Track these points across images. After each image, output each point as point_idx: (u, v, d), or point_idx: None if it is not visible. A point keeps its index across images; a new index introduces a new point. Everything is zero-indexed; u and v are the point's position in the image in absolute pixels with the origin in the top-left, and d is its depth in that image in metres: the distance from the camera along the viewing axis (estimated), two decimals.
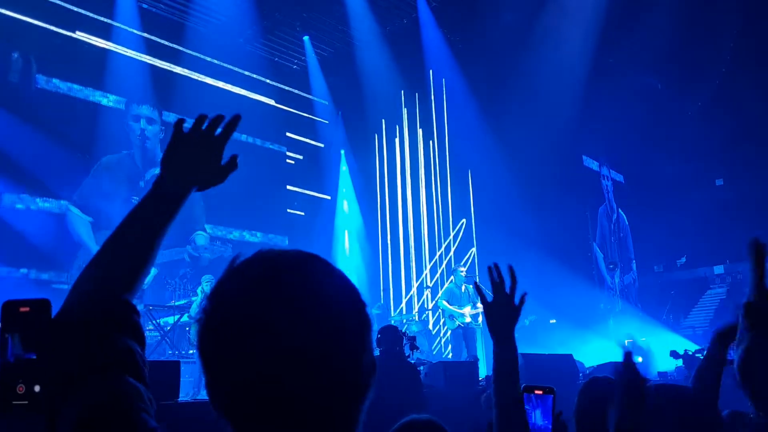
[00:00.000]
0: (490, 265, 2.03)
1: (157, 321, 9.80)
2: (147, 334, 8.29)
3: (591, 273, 16.06)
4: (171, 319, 10.08)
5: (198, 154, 1.32)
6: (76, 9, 11.34)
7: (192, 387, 8.32)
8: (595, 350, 11.98)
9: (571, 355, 8.31)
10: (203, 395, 6.92)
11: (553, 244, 13.97)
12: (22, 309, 1.09)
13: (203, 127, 1.35)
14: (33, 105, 8.20)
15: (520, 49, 13.25)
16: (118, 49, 12.13)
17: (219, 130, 1.35)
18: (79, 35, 11.66)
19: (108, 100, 9.31)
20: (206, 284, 9.36)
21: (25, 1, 9.33)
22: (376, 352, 6.11)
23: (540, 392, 1.87)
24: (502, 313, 1.95)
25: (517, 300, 1.96)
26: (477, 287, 2.12)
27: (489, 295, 1.98)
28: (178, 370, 5.10)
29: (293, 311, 0.85)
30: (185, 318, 10.10)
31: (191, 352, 10.08)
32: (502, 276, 1.99)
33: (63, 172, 7.82)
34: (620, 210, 17.73)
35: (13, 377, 1.07)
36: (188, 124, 1.37)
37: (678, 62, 14.57)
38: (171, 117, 11.20)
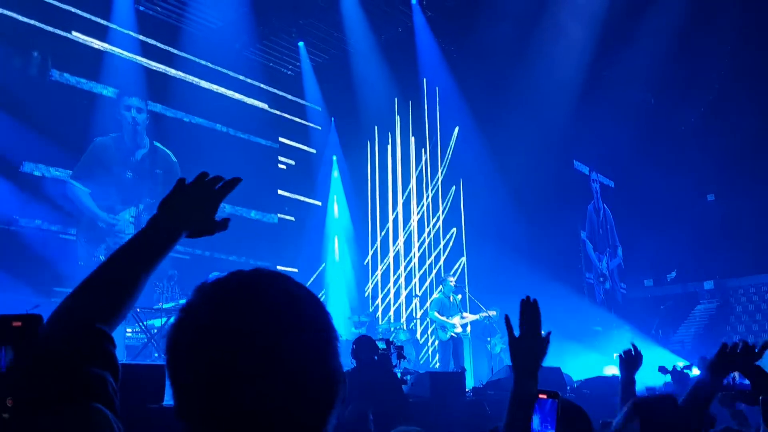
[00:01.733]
0: (523, 298, 1.99)
1: (144, 323, 9.73)
2: (134, 336, 8.31)
3: (581, 285, 16.08)
4: (158, 322, 10.02)
5: (195, 204, 1.40)
6: (74, 10, 11.46)
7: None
8: (584, 363, 11.98)
9: (558, 368, 8.30)
10: None
11: (543, 256, 13.99)
12: (15, 324, 1.11)
13: (204, 182, 1.42)
14: (47, 94, 9.92)
15: (515, 59, 13.31)
16: (114, 50, 12.14)
17: (218, 186, 1.43)
18: (76, 35, 11.63)
19: (108, 91, 10.67)
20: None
21: (43, 9, 10.64)
22: (353, 364, 6.05)
23: (544, 396, 1.83)
24: (530, 349, 1.89)
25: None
26: (507, 323, 1.97)
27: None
28: (164, 374, 5.03)
29: (257, 324, 0.86)
30: (172, 320, 9.97)
31: None
32: (538, 311, 1.93)
33: (68, 149, 9.55)
34: (606, 206, 17.91)
35: (3, 390, 1.08)
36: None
37: (672, 78, 14.67)
38: (158, 107, 12.05)
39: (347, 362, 11.42)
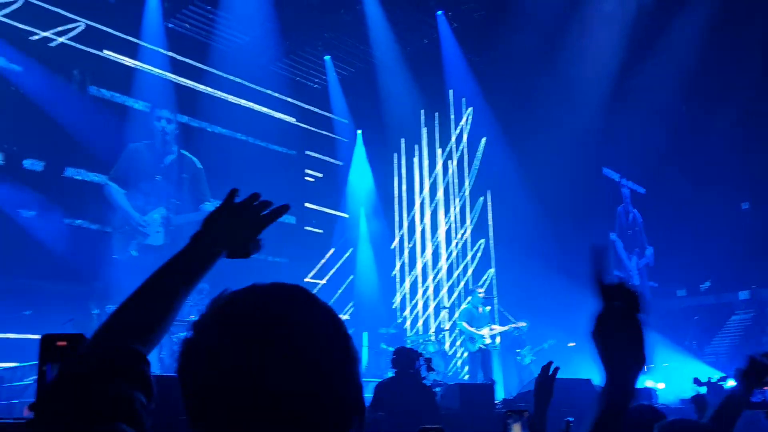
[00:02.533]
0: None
1: (177, 336, 9.81)
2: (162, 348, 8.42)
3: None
4: (183, 335, 10.05)
5: (240, 226, 1.39)
6: (107, 29, 11.93)
7: None
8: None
9: (590, 380, 8.17)
10: None
11: (572, 266, 13.81)
12: (59, 343, 1.13)
13: (253, 205, 1.42)
14: (86, 107, 10.93)
15: (541, 68, 13.25)
16: (145, 67, 12.55)
17: (265, 212, 1.43)
18: (107, 53, 12.11)
19: (139, 105, 11.70)
20: None
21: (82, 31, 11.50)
22: (391, 374, 6.10)
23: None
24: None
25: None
26: None
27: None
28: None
29: (270, 344, 0.86)
30: (184, 335, 10.02)
31: None
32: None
33: (105, 153, 10.59)
34: (635, 210, 17.82)
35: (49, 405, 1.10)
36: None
37: (703, 84, 14.46)
38: (186, 119, 12.83)
39: (379, 372, 11.40)
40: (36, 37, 11.42)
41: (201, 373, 0.88)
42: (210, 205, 11.22)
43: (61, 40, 11.65)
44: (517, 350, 11.68)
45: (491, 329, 10.77)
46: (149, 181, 10.60)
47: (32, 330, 8.53)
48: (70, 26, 11.74)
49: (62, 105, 10.58)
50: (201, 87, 13.50)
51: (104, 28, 12.01)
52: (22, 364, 8.52)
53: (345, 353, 0.91)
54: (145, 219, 10.37)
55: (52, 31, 11.58)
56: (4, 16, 11.05)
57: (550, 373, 2.72)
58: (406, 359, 6.05)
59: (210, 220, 1.36)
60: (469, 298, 11.37)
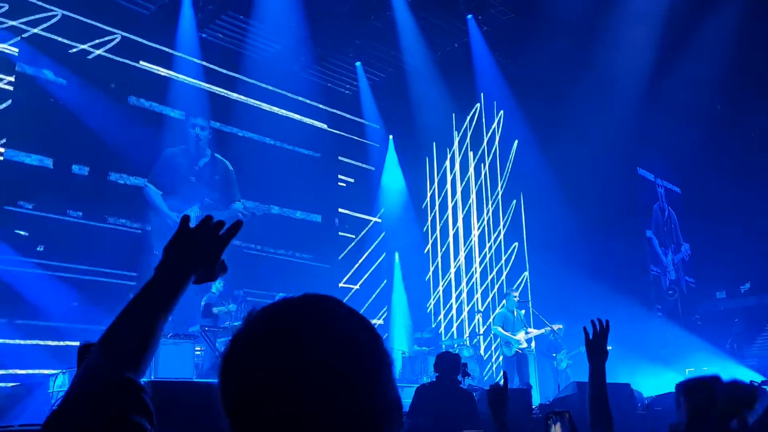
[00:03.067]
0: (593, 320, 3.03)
1: (213, 342, 9.98)
2: (202, 354, 8.67)
3: (648, 297, 15.62)
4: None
5: (199, 249, 1.38)
6: (142, 41, 12.40)
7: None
8: (653, 379, 11.62)
9: (628, 385, 8.07)
10: None
11: (607, 268, 13.66)
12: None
13: (209, 226, 1.41)
14: (126, 115, 11.75)
15: (573, 69, 13.14)
16: (179, 77, 12.93)
17: (222, 231, 1.41)
18: (143, 65, 12.52)
19: (176, 113, 12.38)
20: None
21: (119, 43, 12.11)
22: (426, 378, 6.12)
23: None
24: (601, 349, 2.99)
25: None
26: (585, 330, 3.01)
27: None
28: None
29: (304, 356, 0.88)
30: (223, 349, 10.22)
31: None
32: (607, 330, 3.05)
33: (144, 158, 11.50)
34: (670, 208, 17.67)
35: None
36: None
37: (739, 82, 14.19)
38: (220, 125, 13.39)
39: (413, 377, 11.39)
40: (75, 50, 11.74)
41: (235, 389, 0.91)
42: (240, 204, 12.20)
43: (98, 52, 11.97)
44: (553, 354, 11.57)
45: (527, 332, 10.69)
46: (184, 183, 11.38)
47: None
48: (107, 38, 12.06)
49: (103, 114, 11.34)
50: (234, 95, 13.74)
51: (140, 40, 12.37)
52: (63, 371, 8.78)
53: (377, 363, 0.93)
54: (181, 215, 10.90)
55: (89, 44, 11.90)
56: (44, 30, 11.38)
57: (501, 383, 3.08)
58: (450, 364, 6.07)
59: (170, 247, 1.38)
60: (504, 301, 11.30)
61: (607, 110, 13.29)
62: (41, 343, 10.13)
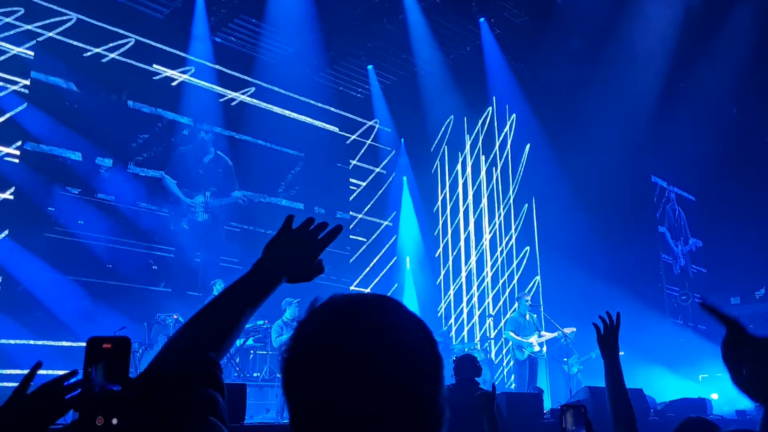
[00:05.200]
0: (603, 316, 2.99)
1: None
2: None
3: (661, 302, 15.51)
4: (237, 342, 10.30)
5: (298, 252, 1.44)
6: (156, 45, 12.62)
7: (276, 410, 8.72)
8: (666, 385, 11.53)
9: (641, 390, 8.01)
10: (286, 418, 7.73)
11: (620, 273, 13.59)
12: (105, 345, 1.18)
13: (310, 229, 1.46)
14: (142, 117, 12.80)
15: (586, 74, 13.08)
16: (192, 80, 13.11)
17: (321, 235, 1.46)
18: (156, 68, 12.69)
19: (185, 119, 13.38)
20: (292, 307, 9.70)
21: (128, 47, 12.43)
22: (453, 381, 6.14)
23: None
24: (613, 343, 2.94)
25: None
26: (595, 326, 2.96)
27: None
28: (245, 393, 5.20)
29: (374, 350, 0.88)
30: (250, 341, 10.34)
31: (255, 375, 10.30)
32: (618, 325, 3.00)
33: (162, 153, 12.92)
34: (680, 208, 17.78)
35: (94, 410, 1.15)
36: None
37: (754, 86, 14.08)
38: (232, 133, 14.00)
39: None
40: (89, 54, 11.84)
41: (297, 387, 0.92)
42: (238, 193, 13.66)
43: (112, 56, 12.08)
44: (565, 359, 11.51)
45: (540, 336, 10.64)
46: (194, 174, 13.10)
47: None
48: (121, 42, 12.16)
49: (117, 116, 12.21)
50: (247, 99, 13.84)
51: (153, 44, 12.46)
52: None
53: (437, 369, 0.93)
54: (192, 202, 12.95)
55: (103, 48, 12.00)
56: (58, 33, 11.49)
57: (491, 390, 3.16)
58: (470, 367, 6.10)
59: (270, 247, 1.43)
60: (516, 305, 11.25)
61: (621, 115, 13.22)
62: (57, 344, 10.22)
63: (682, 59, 13.14)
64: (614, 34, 12.73)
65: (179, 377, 1.22)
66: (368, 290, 14.79)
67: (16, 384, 1.52)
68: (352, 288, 14.71)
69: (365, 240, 15.67)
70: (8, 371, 9.91)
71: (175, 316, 9.60)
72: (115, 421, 1.14)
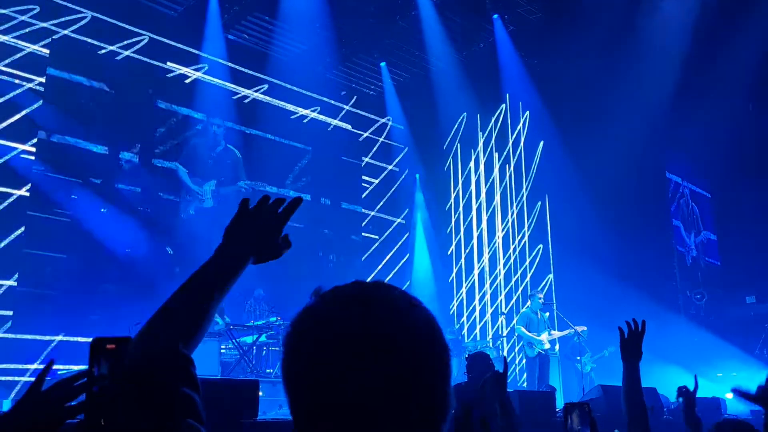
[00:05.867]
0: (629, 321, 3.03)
1: (237, 340, 10.06)
2: (227, 352, 8.85)
3: (675, 301, 15.40)
4: (249, 339, 10.34)
5: (258, 230, 1.40)
6: (170, 42, 12.70)
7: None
8: (680, 384, 11.42)
9: (654, 389, 7.97)
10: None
11: (633, 271, 13.49)
12: (109, 346, 1.20)
13: (267, 205, 1.43)
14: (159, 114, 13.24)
15: (601, 70, 12.99)
16: (205, 78, 13.22)
17: (280, 209, 1.43)
18: (171, 65, 12.80)
19: (199, 115, 13.67)
20: None
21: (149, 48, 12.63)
22: (465, 379, 6.11)
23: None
24: (636, 348, 3.02)
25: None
26: (620, 330, 3.05)
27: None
28: (257, 389, 5.21)
29: (380, 337, 0.86)
30: (263, 338, 10.38)
31: (268, 371, 10.34)
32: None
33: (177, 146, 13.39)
34: (694, 204, 17.63)
35: (98, 410, 1.17)
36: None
37: None
38: (243, 128, 14.19)
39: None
40: (103, 51, 11.92)
41: (299, 378, 0.89)
42: (243, 182, 14.03)
43: (126, 53, 12.15)
44: (578, 357, 11.46)
45: (550, 334, 10.60)
46: (204, 165, 13.70)
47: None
48: (135, 39, 12.23)
49: (143, 111, 12.66)
50: (260, 96, 13.89)
51: (167, 41, 12.52)
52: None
53: (448, 356, 0.91)
54: (201, 190, 13.49)
55: (118, 45, 12.07)
56: (73, 32, 11.56)
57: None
58: (483, 365, 6.07)
59: (230, 230, 1.40)
60: (529, 302, 11.21)
61: (636, 111, 13.11)
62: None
63: (698, 54, 13.00)
64: (629, 29, 12.62)
65: (152, 377, 1.17)
66: None
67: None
68: None
69: (377, 237, 15.67)
70: (27, 366, 10.02)
71: None
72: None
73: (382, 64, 14.72)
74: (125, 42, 12.14)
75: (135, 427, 1.12)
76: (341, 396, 0.84)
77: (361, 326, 0.86)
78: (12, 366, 10.03)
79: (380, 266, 15.36)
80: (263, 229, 1.40)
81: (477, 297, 15.26)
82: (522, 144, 15.54)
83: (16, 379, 10.03)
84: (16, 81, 10.96)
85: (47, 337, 10.35)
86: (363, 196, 15.71)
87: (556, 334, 10.80)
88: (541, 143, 15.22)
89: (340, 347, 0.85)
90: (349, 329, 0.86)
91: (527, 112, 15.38)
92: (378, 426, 0.84)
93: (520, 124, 15.52)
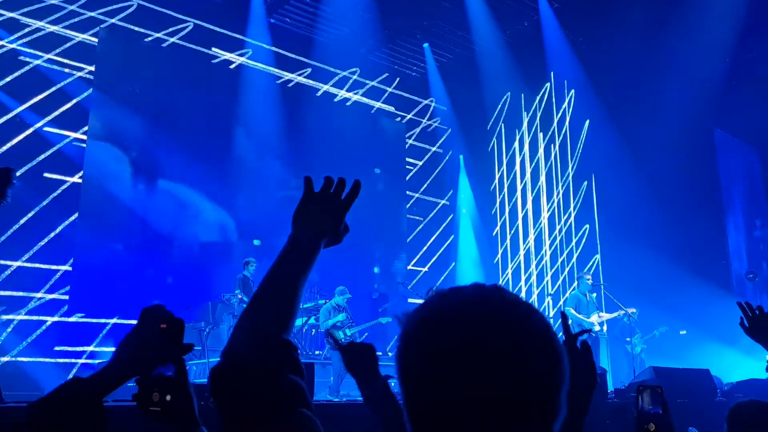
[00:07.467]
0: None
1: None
2: None
3: (727, 280, 15.02)
4: (299, 322, 10.46)
5: (325, 215, 1.41)
6: (214, 28, 12.83)
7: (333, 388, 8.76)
8: (731, 365, 11.19)
9: (707, 370, 7.83)
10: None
11: (683, 251, 13.20)
12: (162, 326, 1.27)
13: (331, 190, 1.43)
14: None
15: (647, 47, 12.66)
16: (249, 63, 13.32)
17: (343, 195, 1.44)
18: (215, 51, 12.91)
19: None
20: (342, 296, 9.78)
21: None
22: None
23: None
24: None
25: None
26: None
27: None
28: (313, 372, 5.29)
29: (503, 343, 0.86)
30: (312, 320, 10.51)
31: (317, 353, 10.48)
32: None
33: None
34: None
35: (150, 387, 1.27)
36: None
37: None
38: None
39: None
40: (150, 39, 12.13)
41: (423, 376, 0.89)
42: None
43: (172, 40, 12.34)
44: (627, 338, 11.32)
45: (599, 316, 10.48)
46: None
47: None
48: (180, 26, 12.40)
49: (186, 103, 12.40)
50: (303, 80, 13.95)
51: (212, 27, 12.66)
52: None
53: (560, 357, 0.91)
54: None
55: (164, 32, 12.26)
56: (120, 20, 11.79)
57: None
58: None
59: (300, 216, 1.41)
60: (576, 283, 11.10)
61: (684, 87, 12.75)
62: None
63: (751, 29, 12.55)
64: (677, 4, 12.25)
65: (261, 366, 1.21)
66: (426, 269, 14.81)
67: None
68: (409, 268, 14.75)
69: (422, 219, 15.67)
70: (84, 347, 10.36)
71: (240, 296, 9.71)
72: (168, 397, 1.25)
73: (425, 45, 14.61)
74: (171, 29, 12.32)
75: (256, 413, 1.16)
76: (463, 395, 0.85)
77: (486, 330, 0.87)
78: (69, 348, 10.40)
79: (425, 248, 15.36)
80: (331, 214, 1.42)
81: (523, 278, 15.17)
82: (567, 123, 15.30)
83: (73, 361, 10.40)
84: (66, 70, 11.25)
85: (102, 320, 10.68)
86: (407, 178, 15.69)
87: (606, 316, 10.68)
88: (587, 122, 14.95)
89: (465, 350, 0.86)
90: (474, 333, 0.87)
91: (572, 91, 15.12)
92: (498, 427, 0.85)
93: (566, 103, 15.27)
